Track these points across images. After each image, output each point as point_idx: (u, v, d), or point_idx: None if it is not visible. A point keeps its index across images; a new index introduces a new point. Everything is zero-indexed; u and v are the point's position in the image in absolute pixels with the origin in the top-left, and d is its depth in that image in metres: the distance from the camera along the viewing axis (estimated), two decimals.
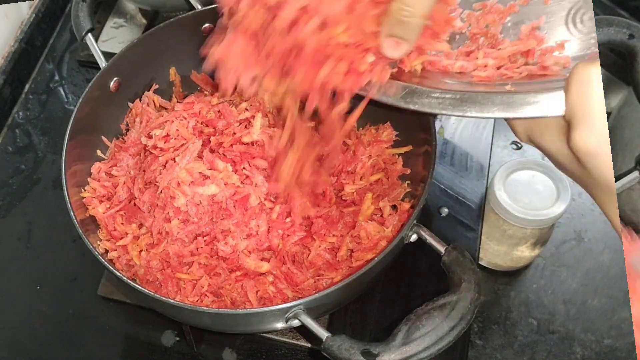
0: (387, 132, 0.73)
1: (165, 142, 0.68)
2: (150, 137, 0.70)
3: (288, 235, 0.66)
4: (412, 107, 0.53)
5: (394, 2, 0.49)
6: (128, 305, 0.75)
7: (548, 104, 0.47)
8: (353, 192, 0.69)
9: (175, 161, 0.66)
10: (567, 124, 0.45)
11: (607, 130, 0.42)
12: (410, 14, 0.48)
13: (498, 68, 0.55)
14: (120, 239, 0.68)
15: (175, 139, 0.68)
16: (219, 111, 0.71)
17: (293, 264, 0.65)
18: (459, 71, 0.55)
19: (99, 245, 0.68)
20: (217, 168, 0.66)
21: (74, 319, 0.75)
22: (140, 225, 0.69)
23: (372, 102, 0.57)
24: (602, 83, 0.42)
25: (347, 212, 0.67)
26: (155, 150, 0.68)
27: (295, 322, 0.58)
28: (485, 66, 0.55)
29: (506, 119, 0.53)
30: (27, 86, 0.97)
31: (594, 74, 0.42)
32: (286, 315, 0.57)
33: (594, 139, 0.42)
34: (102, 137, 0.75)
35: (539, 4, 0.58)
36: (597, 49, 0.54)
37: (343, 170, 0.71)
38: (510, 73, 0.53)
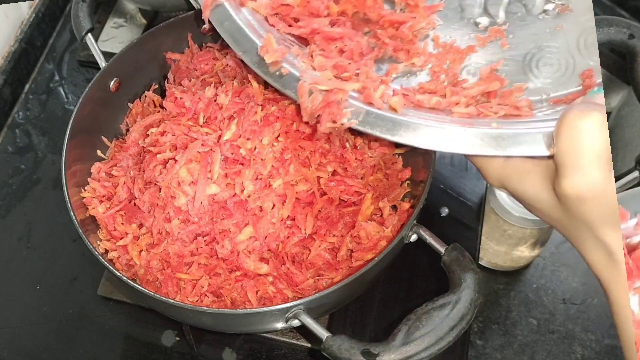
0: None
1: (162, 136, 0.68)
2: (146, 135, 0.70)
3: (288, 237, 0.66)
4: (399, 140, 0.52)
5: None
6: (128, 305, 0.75)
7: (538, 146, 0.48)
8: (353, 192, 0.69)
9: (175, 160, 0.66)
10: (554, 170, 0.46)
11: (601, 177, 0.43)
12: None
13: (467, 106, 0.54)
14: (120, 239, 0.68)
15: (173, 135, 0.68)
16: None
17: (293, 264, 0.65)
18: (434, 107, 0.54)
19: (99, 245, 0.68)
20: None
21: (74, 319, 0.75)
22: (141, 225, 0.69)
23: None
24: (595, 129, 0.42)
25: (347, 212, 0.67)
26: (153, 148, 0.68)
27: (295, 322, 0.58)
28: (457, 103, 0.54)
29: (478, 165, 0.53)
30: (27, 86, 0.97)
31: (585, 124, 0.43)
32: (286, 315, 0.57)
33: (585, 185, 0.43)
34: (102, 137, 0.75)
35: (496, 47, 0.58)
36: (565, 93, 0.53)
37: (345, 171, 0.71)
38: (487, 112, 0.53)
